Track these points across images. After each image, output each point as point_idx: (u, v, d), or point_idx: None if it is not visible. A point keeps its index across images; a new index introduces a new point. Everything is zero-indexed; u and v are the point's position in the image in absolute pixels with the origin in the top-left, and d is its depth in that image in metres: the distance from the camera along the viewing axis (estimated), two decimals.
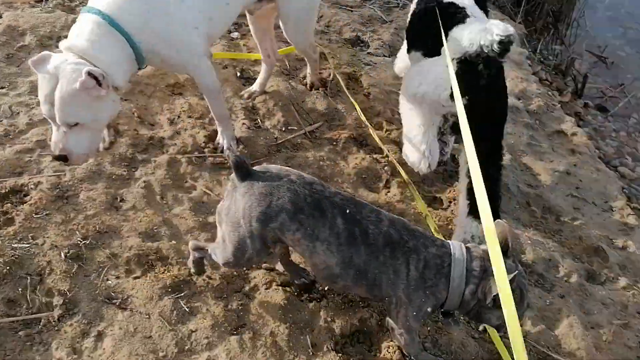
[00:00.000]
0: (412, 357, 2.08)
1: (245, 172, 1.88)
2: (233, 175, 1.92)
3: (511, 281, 1.67)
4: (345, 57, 3.93)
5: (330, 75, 3.65)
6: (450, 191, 3.04)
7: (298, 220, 1.84)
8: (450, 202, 2.99)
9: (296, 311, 2.24)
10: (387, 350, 2.15)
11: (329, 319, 2.23)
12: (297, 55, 3.69)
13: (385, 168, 3.08)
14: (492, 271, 1.73)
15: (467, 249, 1.90)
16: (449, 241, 1.95)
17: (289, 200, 1.83)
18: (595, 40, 5.81)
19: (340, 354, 2.12)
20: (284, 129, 3.19)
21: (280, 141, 3.10)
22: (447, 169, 3.20)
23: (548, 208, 3.13)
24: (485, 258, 1.84)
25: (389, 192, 2.96)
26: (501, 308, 1.64)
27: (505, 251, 1.80)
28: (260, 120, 3.24)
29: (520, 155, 3.46)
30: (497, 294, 1.67)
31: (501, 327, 1.87)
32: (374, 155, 3.15)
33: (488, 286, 1.79)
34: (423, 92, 2.66)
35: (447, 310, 1.98)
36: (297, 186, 1.86)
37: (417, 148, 2.76)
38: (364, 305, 2.31)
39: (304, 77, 3.58)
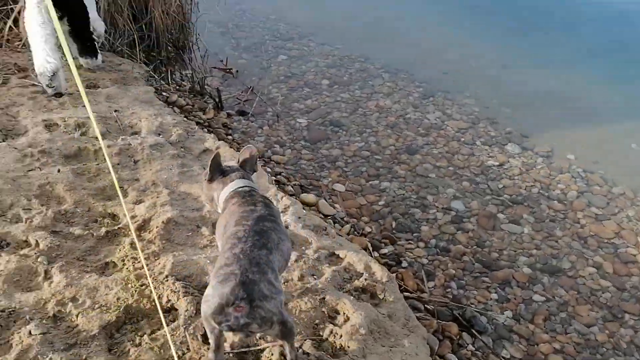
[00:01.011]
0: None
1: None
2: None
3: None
4: None
5: None
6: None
7: (276, 245, 2.21)
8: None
9: None
10: None
11: None
12: None
13: None
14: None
15: (240, 175, 2.50)
16: (238, 178, 2.48)
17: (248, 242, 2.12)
18: (217, 56, 6.46)
19: None
20: None
21: None
22: None
23: (213, 223, 3.36)
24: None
25: None
26: None
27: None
28: None
29: (177, 185, 3.61)
30: None
31: None
32: None
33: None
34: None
35: None
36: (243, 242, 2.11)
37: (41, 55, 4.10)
38: None
39: None
